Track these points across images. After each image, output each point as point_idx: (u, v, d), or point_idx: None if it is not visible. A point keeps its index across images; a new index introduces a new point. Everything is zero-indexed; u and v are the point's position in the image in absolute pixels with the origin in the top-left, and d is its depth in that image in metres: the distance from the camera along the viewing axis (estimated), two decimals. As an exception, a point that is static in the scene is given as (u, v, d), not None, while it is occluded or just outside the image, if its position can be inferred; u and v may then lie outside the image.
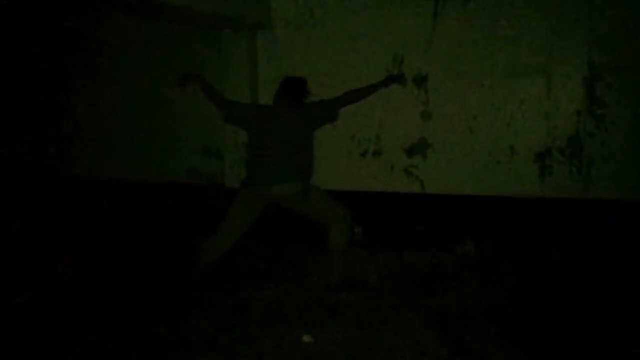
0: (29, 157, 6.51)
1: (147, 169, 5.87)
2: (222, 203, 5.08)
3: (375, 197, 5.01)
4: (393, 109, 4.86)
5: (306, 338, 3.06)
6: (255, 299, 3.74)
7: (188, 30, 5.36)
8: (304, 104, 3.82)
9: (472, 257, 4.66)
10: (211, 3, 4.36)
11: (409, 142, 4.84)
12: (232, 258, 4.58)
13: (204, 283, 3.89)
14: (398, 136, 4.88)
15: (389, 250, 4.80)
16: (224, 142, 5.44)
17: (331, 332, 3.17)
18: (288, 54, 5.16)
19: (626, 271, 4.08)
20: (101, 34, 5.90)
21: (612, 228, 4.26)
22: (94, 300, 3.79)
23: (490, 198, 4.63)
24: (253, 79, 5.29)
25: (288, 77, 3.95)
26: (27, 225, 5.39)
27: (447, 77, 4.69)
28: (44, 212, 5.82)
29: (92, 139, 6.14)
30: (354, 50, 4.95)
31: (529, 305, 3.58)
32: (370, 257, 4.67)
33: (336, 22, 4.98)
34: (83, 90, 6.11)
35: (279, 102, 3.82)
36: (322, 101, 3.87)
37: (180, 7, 4.07)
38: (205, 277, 3.88)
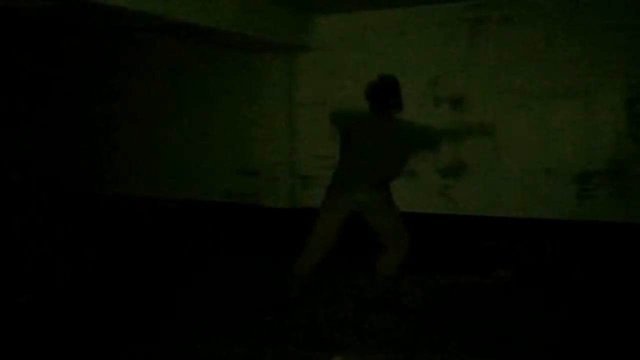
0: (71, 175, 6.72)
1: (185, 189, 6.00)
2: (257, 223, 5.16)
3: (409, 218, 4.98)
4: (428, 130, 4.87)
5: (338, 358, 3.06)
6: (289, 319, 3.76)
7: (227, 52, 5.51)
8: (399, 119, 3.56)
9: (509, 281, 4.57)
10: (253, 27, 4.46)
11: (444, 164, 4.83)
12: (266, 281, 4.62)
13: (241, 302, 3.94)
14: (432, 157, 4.88)
15: (422, 272, 4.76)
16: (260, 162, 5.54)
17: (364, 353, 3.16)
18: (325, 77, 5.24)
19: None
20: (141, 56, 6.11)
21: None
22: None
23: (527, 220, 4.57)
24: (290, 101, 5.38)
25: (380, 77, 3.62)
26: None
27: (484, 99, 4.68)
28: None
29: (132, 158, 6.33)
30: (391, 73, 4.97)
31: (568, 330, 3.48)
32: (404, 279, 4.64)
33: (373, 45, 5.04)
34: (123, 111, 6.30)
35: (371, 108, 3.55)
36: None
37: (222, 31, 4.18)
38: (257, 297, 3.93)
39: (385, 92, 3.57)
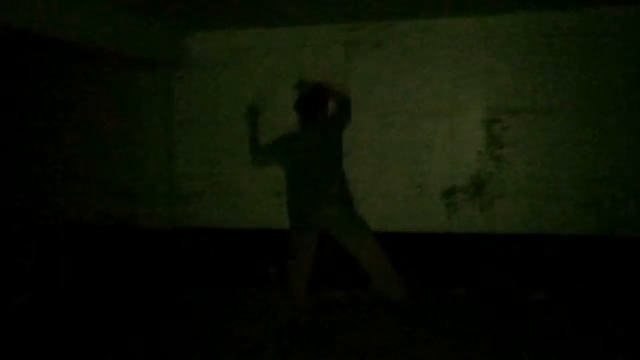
0: None
1: (60, 211, 5.59)
2: (132, 245, 4.91)
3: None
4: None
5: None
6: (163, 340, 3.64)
7: (103, 70, 5.27)
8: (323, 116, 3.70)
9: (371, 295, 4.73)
10: (126, 43, 4.31)
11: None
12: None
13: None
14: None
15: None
16: (137, 182, 5.32)
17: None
18: (203, 94, 5.17)
19: (527, 302, 4.32)
20: (21, 72, 5.67)
21: (514, 260, 4.52)
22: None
23: (402, 234, 4.79)
24: (168, 120, 5.24)
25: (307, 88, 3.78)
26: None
27: (360, 118, 4.85)
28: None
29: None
30: (269, 91, 5.03)
31: (444, 339, 3.68)
32: (284, 297, 4.65)
33: (251, 63, 5.06)
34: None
35: (301, 120, 3.72)
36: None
37: (95, 47, 4.01)
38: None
39: (316, 103, 3.72)
